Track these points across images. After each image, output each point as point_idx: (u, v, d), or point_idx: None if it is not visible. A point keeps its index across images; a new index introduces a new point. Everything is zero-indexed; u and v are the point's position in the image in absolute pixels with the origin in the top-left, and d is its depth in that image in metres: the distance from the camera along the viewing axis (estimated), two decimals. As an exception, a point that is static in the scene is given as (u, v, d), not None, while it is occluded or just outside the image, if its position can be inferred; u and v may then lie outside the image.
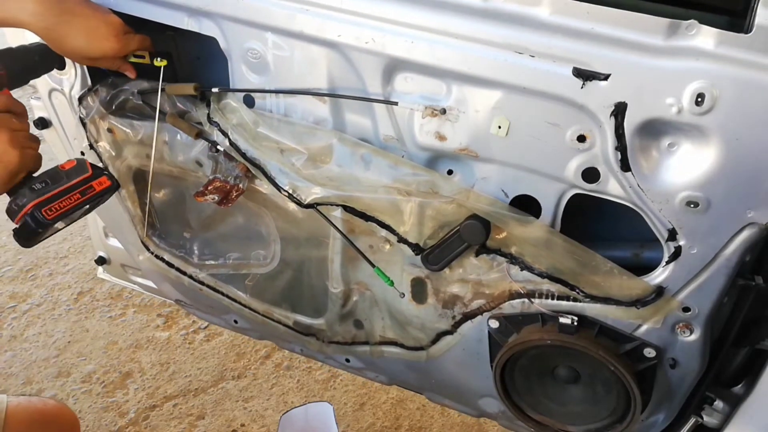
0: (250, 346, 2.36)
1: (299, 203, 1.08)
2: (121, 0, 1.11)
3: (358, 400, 2.14)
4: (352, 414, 2.09)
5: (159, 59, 1.12)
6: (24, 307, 2.61)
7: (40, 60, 1.10)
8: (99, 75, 1.22)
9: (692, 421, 1.14)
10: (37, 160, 1.03)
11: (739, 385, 1.09)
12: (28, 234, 1.00)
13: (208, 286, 1.45)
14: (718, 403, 1.10)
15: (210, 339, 2.40)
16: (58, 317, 2.54)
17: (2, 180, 0.98)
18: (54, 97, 1.30)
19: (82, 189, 1.03)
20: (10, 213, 1.00)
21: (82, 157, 1.10)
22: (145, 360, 2.34)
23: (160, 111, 1.18)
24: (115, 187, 1.08)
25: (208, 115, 1.12)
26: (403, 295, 1.17)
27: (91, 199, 1.04)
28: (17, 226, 1.00)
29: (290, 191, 1.08)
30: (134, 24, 1.15)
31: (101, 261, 1.76)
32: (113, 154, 1.31)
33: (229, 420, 2.11)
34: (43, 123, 1.38)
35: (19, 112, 1.02)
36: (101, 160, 1.34)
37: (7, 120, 0.99)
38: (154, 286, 1.63)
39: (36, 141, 1.04)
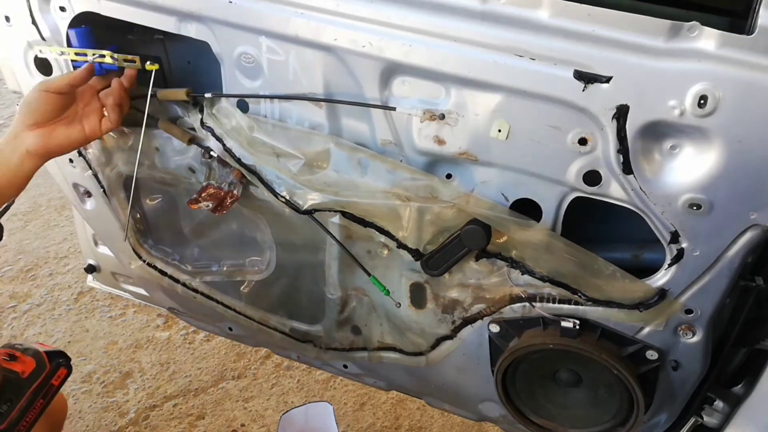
0: (250, 346, 2.35)
1: (297, 209, 1.07)
2: (107, 5, 1.08)
3: (358, 400, 2.13)
4: (352, 414, 2.09)
5: (150, 63, 1.09)
6: (24, 307, 2.58)
7: None
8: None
9: (692, 421, 1.14)
10: None
11: (739, 385, 1.09)
12: None
13: (203, 294, 1.42)
14: (718, 403, 1.10)
15: (210, 339, 2.39)
16: (58, 317, 2.52)
17: None
18: (41, 104, 1.27)
19: (43, 392, 1.05)
20: None
21: (36, 349, 1.09)
22: (145, 360, 2.32)
23: (152, 116, 1.15)
24: (70, 373, 1.12)
25: (201, 120, 1.10)
26: (399, 305, 1.16)
27: (52, 396, 1.07)
28: None
29: (287, 197, 1.06)
30: (122, 28, 1.13)
31: (91, 269, 1.72)
32: (103, 161, 1.28)
33: (229, 420, 2.09)
34: (29, 130, 1.34)
35: None
36: (90, 168, 1.31)
37: None
38: (146, 294, 1.60)
39: None
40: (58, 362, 1.10)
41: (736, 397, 1.08)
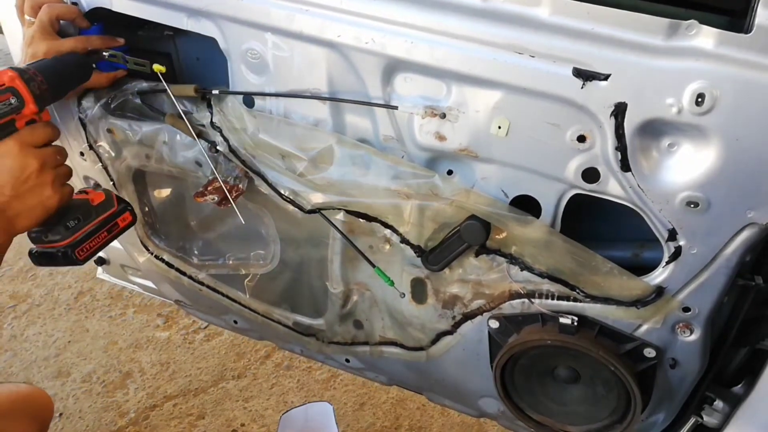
0: (250, 345, 2.36)
1: (301, 209, 1.09)
2: (119, 1, 1.11)
3: (358, 399, 2.14)
4: (352, 414, 2.09)
5: (157, 65, 1.11)
6: (24, 307, 2.60)
7: (76, 70, 1.07)
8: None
9: (692, 420, 1.14)
10: (71, 192, 1.03)
11: (739, 385, 1.09)
12: (51, 262, 1.00)
13: (208, 287, 1.45)
14: (718, 403, 1.10)
15: (210, 339, 2.40)
16: (58, 317, 2.54)
17: (37, 220, 0.97)
18: (53, 98, 1.30)
19: (109, 227, 1.06)
20: (36, 240, 1.00)
21: (107, 189, 1.12)
22: (145, 360, 2.34)
23: (160, 111, 1.18)
24: (134, 221, 1.12)
25: (211, 121, 1.12)
26: (403, 295, 1.17)
27: (116, 235, 1.08)
28: (39, 250, 1.00)
29: (291, 198, 1.09)
30: (133, 25, 1.15)
31: (101, 261, 1.75)
32: (112, 154, 1.31)
33: (229, 420, 2.11)
34: (42, 123, 1.37)
35: (56, 141, 1.00)
36: (101, 161, 1.34)
37: (52, 157, 0.97)
38: (154, 286, 1.63)
39: (70, 173, 1.03)
40: (125, 206, 1.11)
41: (735, 397, 1.08)
